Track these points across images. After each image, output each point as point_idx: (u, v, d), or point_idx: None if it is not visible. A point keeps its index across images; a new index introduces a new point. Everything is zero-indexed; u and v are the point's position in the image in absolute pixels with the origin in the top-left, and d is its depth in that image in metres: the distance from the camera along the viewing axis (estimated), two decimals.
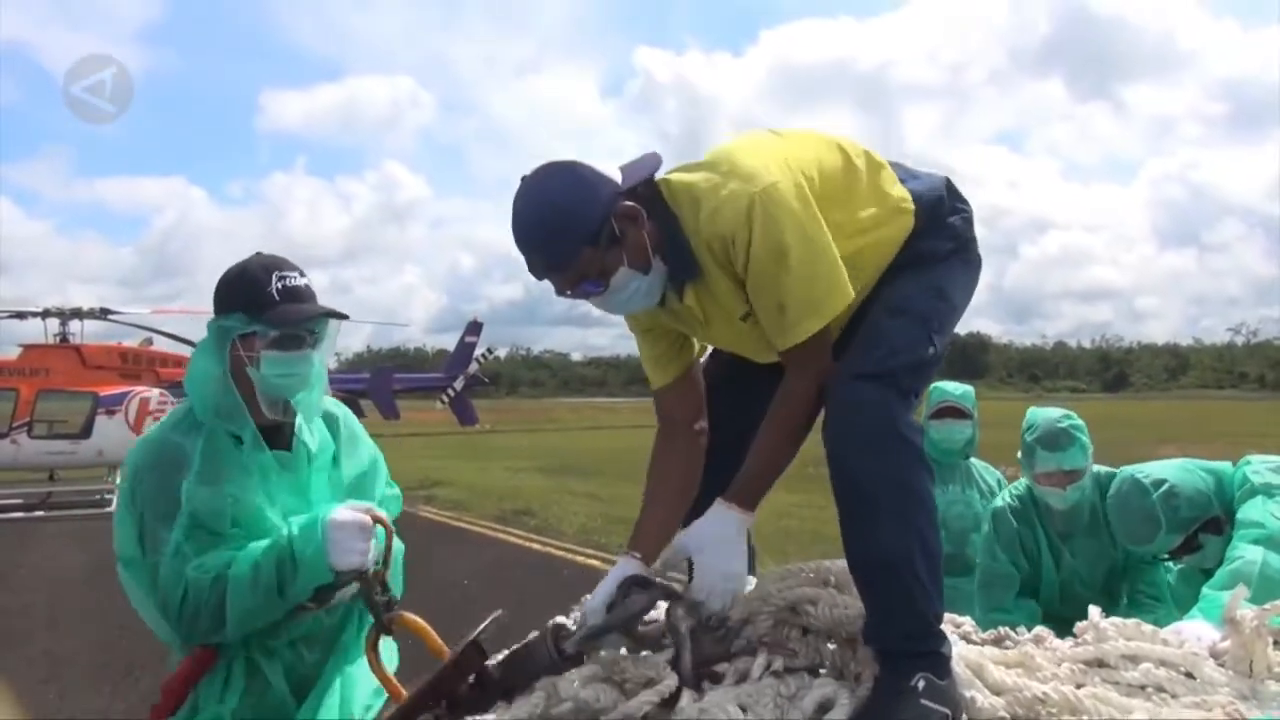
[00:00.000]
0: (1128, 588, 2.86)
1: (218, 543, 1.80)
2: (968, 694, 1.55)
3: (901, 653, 1.52)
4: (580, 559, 9.45)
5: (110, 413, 15.16)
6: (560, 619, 1.77)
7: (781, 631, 1.67)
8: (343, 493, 2.00)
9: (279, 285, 1.88)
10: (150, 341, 16.85)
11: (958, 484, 3.47)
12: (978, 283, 1.85)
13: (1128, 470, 2.48)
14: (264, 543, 1.79)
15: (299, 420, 1.99)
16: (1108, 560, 2.86)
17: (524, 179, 1.63)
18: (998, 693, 1.57)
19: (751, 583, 1.82)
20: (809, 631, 1.67)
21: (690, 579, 1.66)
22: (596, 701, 1.51)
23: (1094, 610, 1.83)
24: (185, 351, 17.11)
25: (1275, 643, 1.66)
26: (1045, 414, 2.83)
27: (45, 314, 16.06)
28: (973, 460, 3.57)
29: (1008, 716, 1.53)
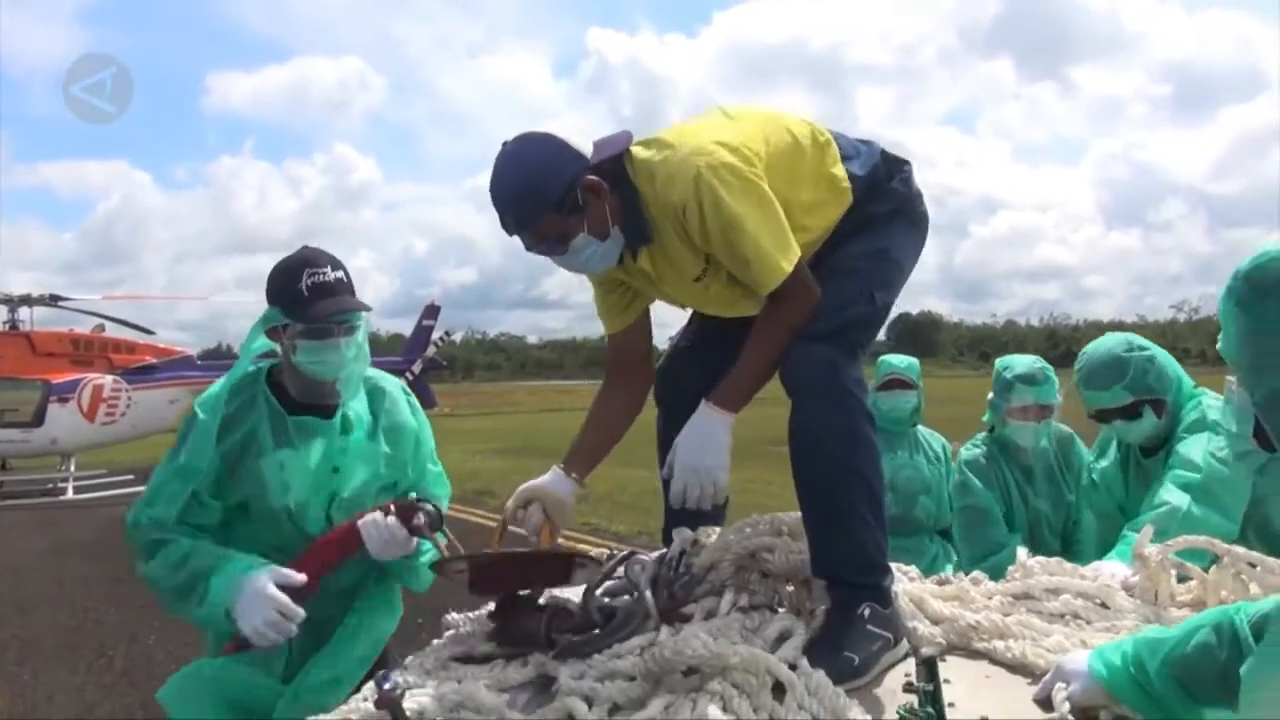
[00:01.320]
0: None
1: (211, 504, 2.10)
2: (910, 624, 1.75)
3: (848, 583, 1.71)
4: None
5: (63, 400, 14.98)
6: (563, 599, 1.81)
7: (743, 576, 1.86)
8: (375, 464, 2.21)
9: (309, 282, 2.08)
10: (102, 328, 16.62)
11: (905, 450, 3.67)
12: (926, 235, 2.01)
13: None
14: (216, 558, 2.02)
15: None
16: (1065, 507, 3.08)
17: (504, 144, 1.81)
18: (936, 622, 1.78)
19: (716, 533, 2.00)
20: (768, 575, 1.86)
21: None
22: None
23: (1021, 551, 2.04)
24: (138, 338, 16.96)
25: (1178, 576, 1.88)
26: (1020, 357, 3.08)
27: None
28: (920, 428, 3.78)
29: (944, 642, 1.73)
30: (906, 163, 2.00)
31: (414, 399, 2.38)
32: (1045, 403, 3.00)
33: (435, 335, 21.44)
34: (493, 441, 22.28)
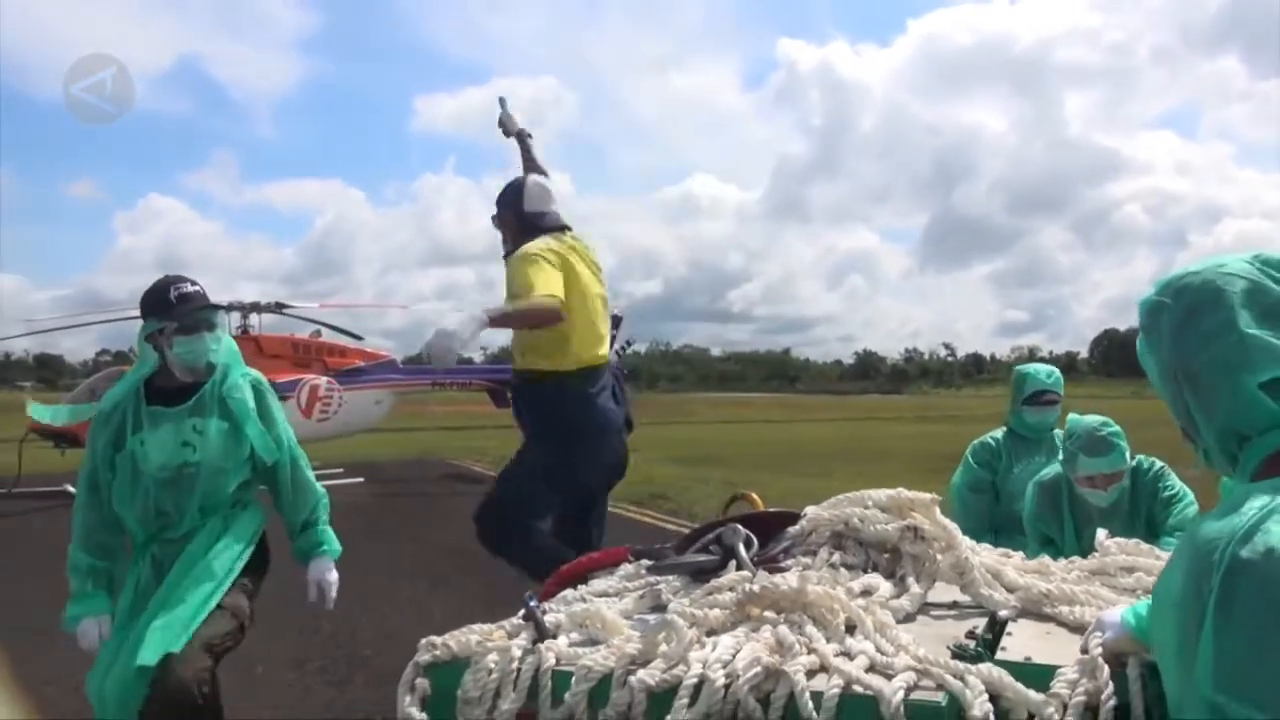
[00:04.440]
0: None
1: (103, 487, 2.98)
2: (985, 591, 1.97)
3: None
4: None
5: (284, 398, 16.53)
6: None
7: (841, 541, 2.13)
8: (224, 441, 3.02)
9: (175, 293, 2.93)
10: (319, 333, 18.26)
11: (1043, 454, 3.78)
12: (574, 437, 3.54)
13: None
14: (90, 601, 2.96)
15: (208, 384, 3.01)
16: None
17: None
18: (1012, 590, 1.99)
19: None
20: (863, 543, 2.13)
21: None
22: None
23: (1101, 533, 2.20)
24: (349, 343, 18.53)
25: None
26: (1084, 422, 3.08)
27: (228, 308, 17.68)
28: (1058, 431, 3.85)
29: (1019, 606, 1.94)
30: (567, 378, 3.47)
31: (269, 393, 3.17)
32: (1111, 471, 3.01)
33: (617, 345, 22.17)
34: (670, 450, 22.76)
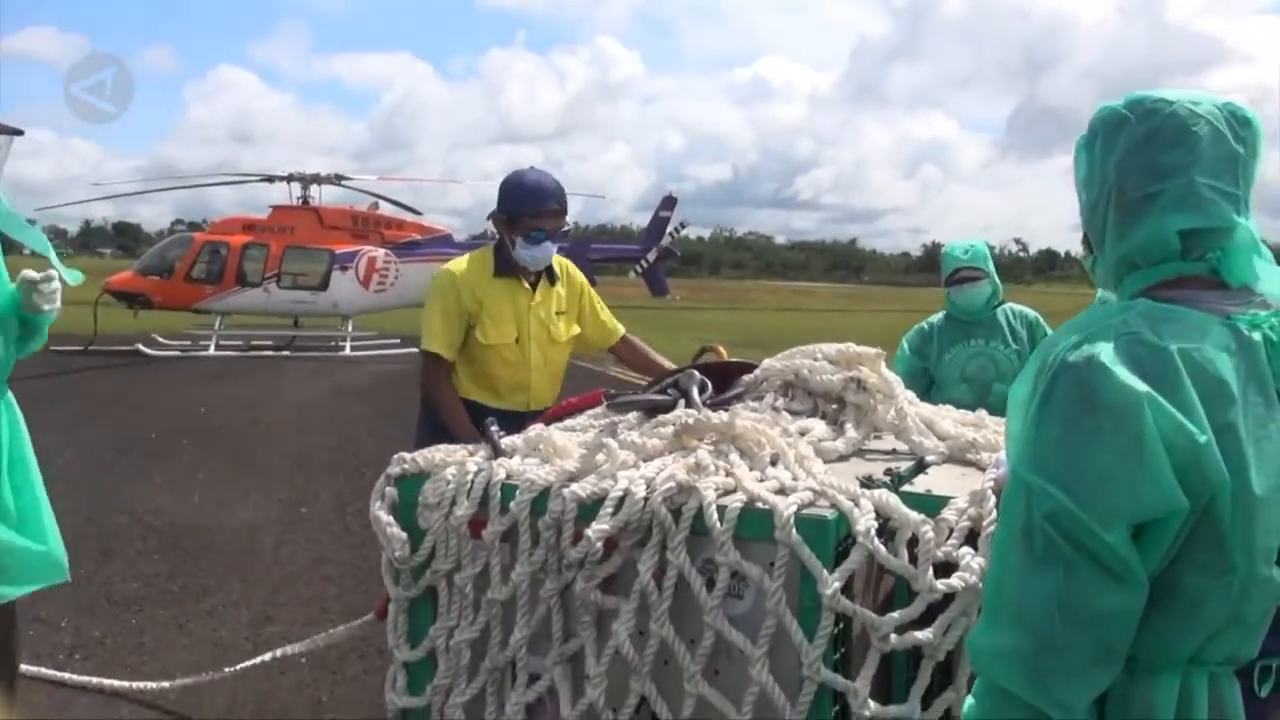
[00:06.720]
0: None
1: None
2: (917, 438, 2.12)
3: None
4: None
5: (344, 269, 17.06)
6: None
7: (790, 389, 2.29)
8: None
9: None
10: (377, 206, 18.59)
11: (981, 337, 3.67)
12: None
13: None
14: None
15: None
16: None
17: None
18: (944, 439, 2.13)
19: None
20: (811, 393, 2.28)
21: None
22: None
23: None
24: (407, 216, 18.84)
25: None
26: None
27: (290, 179, 18.06)
28: (1005, 308, 3.73)
29: (946, 452, 2.09)
30: None
31: None
32: None
33: (671, 227, 22.12)
34: (722, 334, 22.90)
